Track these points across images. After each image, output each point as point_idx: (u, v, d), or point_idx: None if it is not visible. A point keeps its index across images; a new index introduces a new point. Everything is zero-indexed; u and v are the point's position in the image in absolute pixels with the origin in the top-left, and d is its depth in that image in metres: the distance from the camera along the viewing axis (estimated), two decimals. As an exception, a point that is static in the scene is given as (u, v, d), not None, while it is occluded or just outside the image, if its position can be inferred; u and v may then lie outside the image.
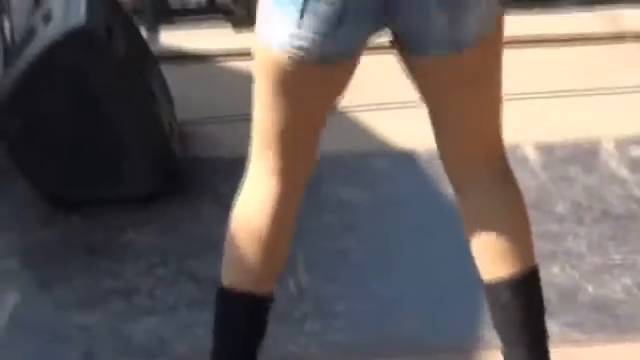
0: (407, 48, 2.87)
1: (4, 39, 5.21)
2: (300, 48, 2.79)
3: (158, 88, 4.80)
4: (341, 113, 5.12)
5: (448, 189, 3.20)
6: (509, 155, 3.09)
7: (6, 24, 5.29)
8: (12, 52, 5.05)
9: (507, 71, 2.98)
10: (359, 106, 5.06)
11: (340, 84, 2.96)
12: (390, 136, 5.05)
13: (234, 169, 3.33)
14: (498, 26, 2.88)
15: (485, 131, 3.01)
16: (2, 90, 4.73)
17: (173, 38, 5.91)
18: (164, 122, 4.74)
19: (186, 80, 5.15)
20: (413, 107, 5.08)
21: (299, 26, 2.77)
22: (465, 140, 3.01)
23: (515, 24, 5.75)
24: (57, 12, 4.78)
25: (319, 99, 2.98)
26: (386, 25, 2.83)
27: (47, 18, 4.81)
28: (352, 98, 5.21)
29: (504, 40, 2.93)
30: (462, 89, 2.89)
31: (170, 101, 4.90)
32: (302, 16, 2.76)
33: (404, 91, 4.90)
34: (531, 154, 4.90)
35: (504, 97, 3.00)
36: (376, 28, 2.83)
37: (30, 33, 4.85)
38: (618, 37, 5.93)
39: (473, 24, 2.78)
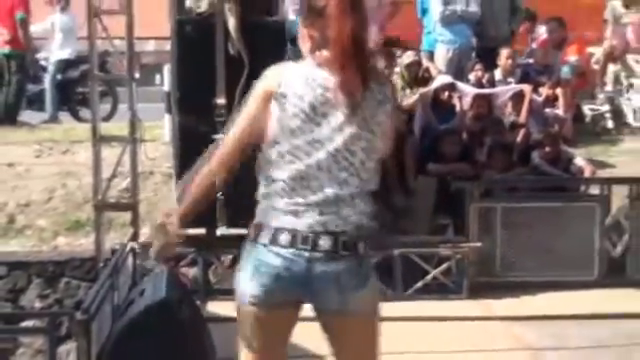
0: (315, 311, 2.89)
1: (113, 306, 5.23)
2: (252, 299, 2.80)
3: (208, 343, 4.66)
4: None
5: None
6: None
7: (115, 296, 5.33)
8: (117, 314, 5.01)
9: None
10: None
11: (284, 326, 2.91)
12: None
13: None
14: (373, 304, 2.87)
15: None
16: (110, 339, 4.66)
17: (217, 308, 5.82)
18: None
19: (226, 338, 5.06)
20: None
21: (250, 286, 2.80)
22: None
23: (415, 308, 5.94)
24: (148, 290, 4.80)
25: (274, 336, 2.89)
26: (301, 299, 2.85)
27: (142, 293, 4.83)
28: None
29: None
30: (350, 338, 2.87)
31: (214, 351, 4.70)
32: (251, 282, 2.79)
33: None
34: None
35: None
36: (294, 299, 2.84)
37: (131, 302, 4.89)
38: (487, 318, 5.92)
39: (356, 302, 2.80)
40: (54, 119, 10.35)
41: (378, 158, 2.85)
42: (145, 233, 6.49)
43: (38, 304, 6.31)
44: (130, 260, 5.99)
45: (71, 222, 7.12)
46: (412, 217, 6.85)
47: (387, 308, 5.77)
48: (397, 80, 7.92)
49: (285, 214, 2.78)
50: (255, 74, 2.92)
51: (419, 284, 6.34)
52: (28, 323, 5.48)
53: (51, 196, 7.43)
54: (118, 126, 7.52)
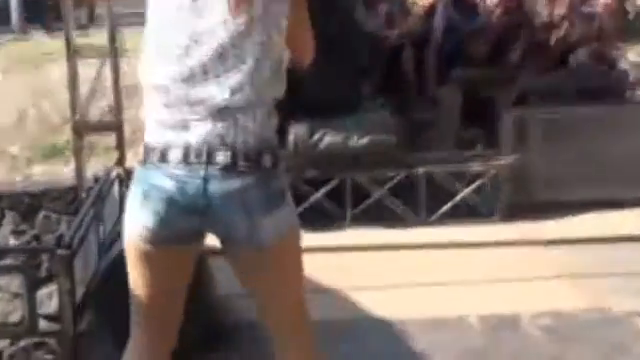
0: (222, 243, 2.76)
1: (99, 240, 5.18)
2: (144, 232, 2.70)
3: (205, 275, 4.50)
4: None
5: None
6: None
7: (101, 229, 5.25)
8: (104, 250, 4.97)
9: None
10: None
11: (183, 264, 2.81)
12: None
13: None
14: (292, 233, 2.75)
15: (289, 303, 2.84)
16: (97, 277, 4.60)
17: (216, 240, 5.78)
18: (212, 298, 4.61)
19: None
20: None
21: (141, 216, 2.69)
22: (274, 311, 2.84)
23: (442, 234, 5.91)
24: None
25: (166, 276, 2.79)
26: (203, 229, 2.73)
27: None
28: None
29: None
30: (266, 275, 2.76)
31: (213, 283, 4.63)
32: (142, 210, 2.68)
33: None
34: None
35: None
36: (195, 229, 2.72)
37: (118, 235, 4.82)
38: (524, 243, 5.84)
39: (269, 230, 2.68)
40: (24, 33, 10.22)
41: (279, 61, 2.72)
42: (131, 156, 6.43)
43: (13, 241, 6.27)
44: (116, 188, 5.93)
45: (47, 148, 7.13)
46: (436, 131, 6.77)
47: (410, 235, 5.96)
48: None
49: (173, 128, 2.66)
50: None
51: (446, 207, 6.26)
52: (3, 263, 5.43)
53: (22, 118, 7.36)
54: (96, 38, 7.42)
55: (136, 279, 2.79)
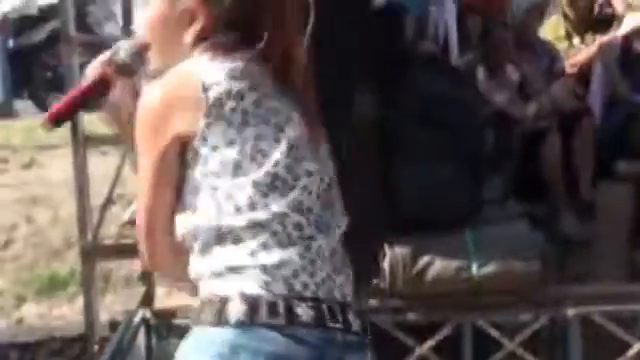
0: None
1: None
2: None
3: None
4: None
5: None
6: None
7: None
8: None
9: None
10: None
11: None
12: None
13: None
14: None
15: None
16: None
17: None
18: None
19: None
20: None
21: None
22: None
23: None
24: None
25: None
26: None
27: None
28: None
29: None
30: None
31: None
32: None
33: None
34: None
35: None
36: None
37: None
38: None
39: None
40: (8, 111, 10.46)
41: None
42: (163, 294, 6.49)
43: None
44: (142, 339, 5.99)
45: (44, 279, 7.17)
46: (594, 252, 6.78)
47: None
48: (558, 23, 7.94)
49: (296, 275, 2.71)
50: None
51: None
52: None
53: (10, 238, 7.50)
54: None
55: None
